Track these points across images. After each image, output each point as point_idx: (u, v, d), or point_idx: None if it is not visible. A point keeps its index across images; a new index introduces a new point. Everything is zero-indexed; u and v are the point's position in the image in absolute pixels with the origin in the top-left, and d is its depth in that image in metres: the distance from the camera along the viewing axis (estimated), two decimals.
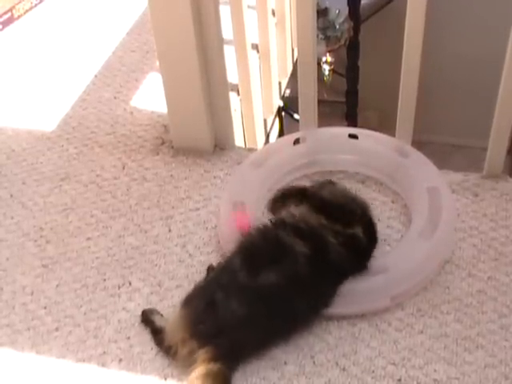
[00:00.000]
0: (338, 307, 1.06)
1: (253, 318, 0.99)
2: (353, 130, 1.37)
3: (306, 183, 1.29)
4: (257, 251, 1.05)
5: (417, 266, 1.13)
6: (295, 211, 1.11)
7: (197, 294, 1.04)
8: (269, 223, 1.08)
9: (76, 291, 1.17)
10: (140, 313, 1.12)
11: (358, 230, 1.08)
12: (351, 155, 1.34)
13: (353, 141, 1.34)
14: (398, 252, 1.17)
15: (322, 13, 2.48)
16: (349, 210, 1.12)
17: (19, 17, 1.93)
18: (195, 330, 0.99)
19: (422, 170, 1.27)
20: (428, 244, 1.14)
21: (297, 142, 1.36)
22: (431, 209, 1.18)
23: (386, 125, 1.53)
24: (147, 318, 1.11)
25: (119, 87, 1.66)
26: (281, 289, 1.00)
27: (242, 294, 1.00)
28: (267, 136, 1.99)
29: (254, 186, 1.27)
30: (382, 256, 1.13)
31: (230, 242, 1.19)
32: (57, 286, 1.18)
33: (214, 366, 0.96)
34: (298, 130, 1.44)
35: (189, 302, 1.03)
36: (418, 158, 1.29)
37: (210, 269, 1.17)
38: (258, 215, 1.23)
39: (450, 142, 3.27)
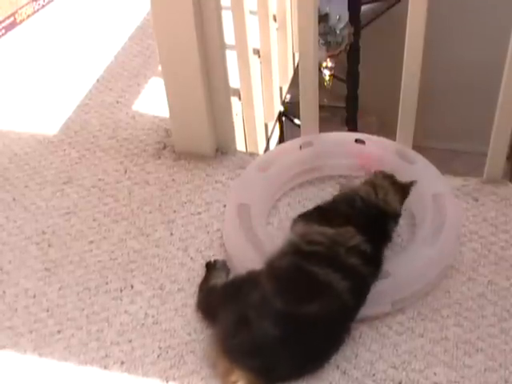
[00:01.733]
0: None
1: (288, 342, 0.98)
2: (360, 136, 1.37)
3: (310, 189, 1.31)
4: (292, 283, 1.03)
5: (419, 272, 1.14)
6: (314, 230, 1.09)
7: (224, 309, 1.03)
8: (298, 252, 1.06)
9: (78, 294, 1.18)
10: (142, 315, 1.13)
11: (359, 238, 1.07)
12: (357, 160, 1.34)
13: (359, 146, 1.35)
14: (401, 258, 1.17)
15: (322, 18, 2.49)
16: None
17: (21, 21, 1.93)
18: (227, 345, 1.00)
19: (428, 177, 1.27)
20: (431, 251, 1.14)
21: (303, 146, 1.36)
22: (436, 216, 1.19)
23: (385, 130, 1.53)
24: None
25: (121, 92, 1.67)
26: (321, 319, 0.99)
27: (278, 319, 0.98)
28: (268, 141, 1.99)
29: (260, 189, 1.28)
30: (385, 261, 1.13)
31: (234, 243, 1.20)
32: (59, 289, 1.19)
33: None
34: (298, 135, 1.45)
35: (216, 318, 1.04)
36: (424, 164, 1.30)
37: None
38: (263, 218, 1.23)
39: (449, 147, 3.28)
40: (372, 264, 1.06)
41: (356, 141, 1.35)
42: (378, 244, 1.08)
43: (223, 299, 1.06)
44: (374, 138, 1.37)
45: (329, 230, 1.07)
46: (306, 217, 1.14)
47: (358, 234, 1.06)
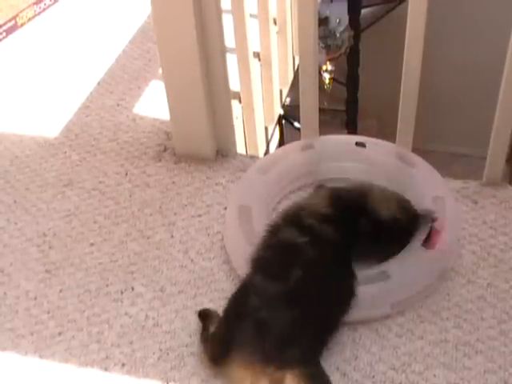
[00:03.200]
0: None
1: (302, 316, 0.99)
2: (360, 138, 1.37)
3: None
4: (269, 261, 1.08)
5: (418, 274, 1.14)
6: None
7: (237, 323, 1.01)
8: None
9: (79, 296, 1.18)
10: (142, 317, 1.13)
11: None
12: (358, 163, 1.34)
13: (360, 149, 1.35)
14: (400, 260, 1.17)
15: (322, 22, 2.50)
16: None
17: (22, 25, 1.94)
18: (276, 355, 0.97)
19: (429, 180, 1.27)
20: (430, 253, 1.14)
21: (304, 148, 1.36)
22: None
23: (385, 133, 1.54)
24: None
25: (122, 94, 1.68)
26: (310, 278, 1.02)
27: (280, 302, 1.00)
28: (268, 144, 2.00)
29: (260, 191, 1.28)
30: (384, 263, 1.13)
31: (235, 245, 1.21)
32: (60, 290, 1.19)
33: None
34: (298, 139, 1.45)
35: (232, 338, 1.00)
36: (424, 167, 1.30)
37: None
38: (263, 220, 1.24)
39: (449, 150, 3.29)
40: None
41: (356, 144, 1.35)
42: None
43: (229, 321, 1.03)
44: (375, 140, 1.37)
45: None
46: None
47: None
